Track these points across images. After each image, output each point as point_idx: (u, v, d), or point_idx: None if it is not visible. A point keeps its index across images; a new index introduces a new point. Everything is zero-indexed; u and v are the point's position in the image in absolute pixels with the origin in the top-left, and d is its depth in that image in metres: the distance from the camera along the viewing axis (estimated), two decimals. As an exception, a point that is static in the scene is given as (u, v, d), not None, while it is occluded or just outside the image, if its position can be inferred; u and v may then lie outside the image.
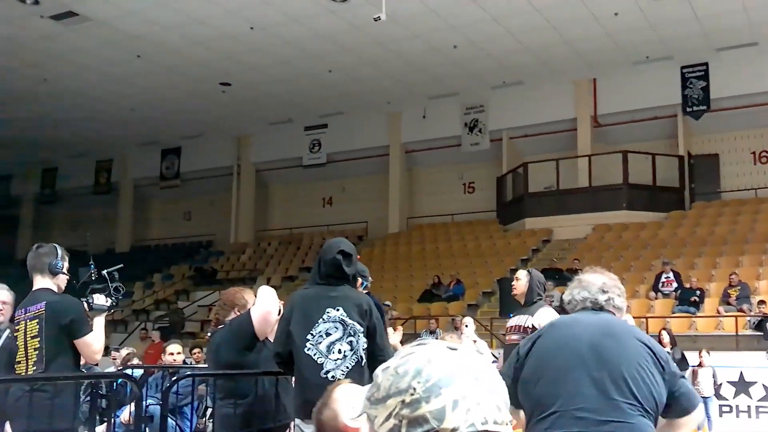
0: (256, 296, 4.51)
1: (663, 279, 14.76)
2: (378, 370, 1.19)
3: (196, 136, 25.08)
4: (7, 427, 4.13)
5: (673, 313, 13.80)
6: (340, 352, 4.00)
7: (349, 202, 24.30)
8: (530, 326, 5.47)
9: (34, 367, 4.15)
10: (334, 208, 24.84)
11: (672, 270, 14.81)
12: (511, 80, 19.88)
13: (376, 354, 4.05)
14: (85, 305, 4.38)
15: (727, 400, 11.45)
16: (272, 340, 4.30)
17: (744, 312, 13.21)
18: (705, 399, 10.76)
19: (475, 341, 9.56)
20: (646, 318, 13.26)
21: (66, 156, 27.71)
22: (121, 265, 4.67)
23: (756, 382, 11.41)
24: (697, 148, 19.62)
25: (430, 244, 21.12)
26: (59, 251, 4.36)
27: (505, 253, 18.88)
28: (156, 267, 24.94)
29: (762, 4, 15.33)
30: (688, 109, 18.74)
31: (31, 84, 20.20)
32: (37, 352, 4.16)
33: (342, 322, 4.05)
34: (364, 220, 23.77)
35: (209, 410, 6.58)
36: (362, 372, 3.98)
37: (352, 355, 4.02)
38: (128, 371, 7.39)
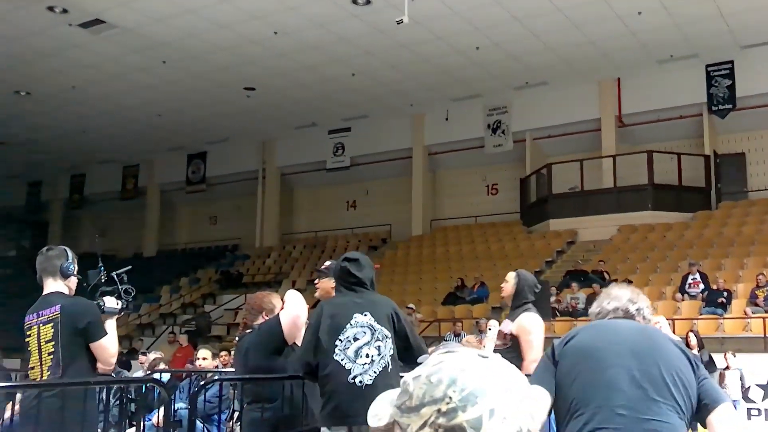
0: (282, 300, 4.57)
1: (690, 280, 14.62)
2: (407, 378, 1.19)
3: (222, 140, 25.31)
4: None
5: (700, 314, 13.66)
6: (367, 356, 4.02)
7: (373, 205, 24.38)
8: (508, 333, 5.19)
9: (49, 372, 4.02)
10: (358, 211, 24.93)
11: (699, 271, 14.67)
12: (534, 81, 19.83)
13: (414, 353, 4.07)
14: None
15: (755, 403, 11.31)
16: (299, 344, 4.34)
17: (772, 313, 13.05)
18: (733, 402, 10.67)
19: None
20: (673, 320, 13.11)
21: (94, 162, 28.11)
22: (129, 267, 4.56)
23: (785, 385, 11.27)
24: (723, 147, 19.41)
25: (453, 246, 21.11)
26: (69, 254, 4.27)
27: (529, 255, 18.81)
28: (183, 271, 25.19)
29: (788, 1, 15.16)
30: (714, 108, 18.56)
31: (59, 91, 20.53)
32: (51, 356, 4.03)
33: (370, 327, 4.08)
34: (388, 222, 23.82)
35: (236, 413, 6.66)
36: (389, 377, 4.01)
37: (380, 360, 4.04)
38: (156, 375, 7.50)
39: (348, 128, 23.64)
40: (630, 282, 15.60)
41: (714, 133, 19.08)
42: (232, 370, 5.78)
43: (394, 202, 23.80)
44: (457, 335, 14.05)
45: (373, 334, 4.06)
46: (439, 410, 1.11)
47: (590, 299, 13.62)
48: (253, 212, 26.03)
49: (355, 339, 4.04)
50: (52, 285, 4.21)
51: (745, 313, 13.37)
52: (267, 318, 4.56)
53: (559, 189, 19.80)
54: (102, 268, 4.35)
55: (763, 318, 12.85)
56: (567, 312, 14.85)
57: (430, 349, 3.65)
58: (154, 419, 6.34)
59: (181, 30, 16.77)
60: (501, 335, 5.22)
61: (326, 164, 24.20)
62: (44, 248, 4.34)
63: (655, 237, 17.90)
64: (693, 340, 10.52)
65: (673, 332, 11.16)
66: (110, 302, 4.29)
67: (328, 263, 5.12)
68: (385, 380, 3.93)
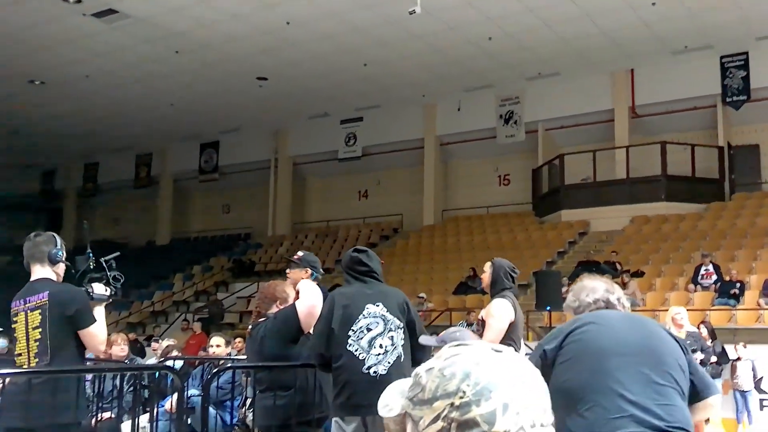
0: (295, 289, 4.61)
1: (702, 271, 14.58)
2: (420, 370, 1.18)
3: (234, 130, 25.37)
4: None
5: (713, 305, 13.65)
6: (381, 347, 4.05)
7: (385, 194, 24.39)
8: (481, 318, 5.34)
9: (36, 359, 3.95)
10: (370, 200, 24.96)
11: (711, 262, 14.63)
12: (546, 71, 19.75)
13: (417, 348, 4.13)
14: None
15: (767, 393, 11.30)
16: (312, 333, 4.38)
17: (785, 305, 13.02)
18: (744, 393, 10.65)
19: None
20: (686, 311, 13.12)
21: (107, 151, 28.24)
22: (118, 253, 4.42)
23: (797, 376, 11.24)
24: (737, 138, 19.30)
25: (465, 236, 21.11)
26: (58, 240, 4.18)
27: (541, 245, 18.80)
28: (196, 259, 25.34)
29: (805, -9, 15.03)
30: (728, 99, 18.44)
31: (73, 80, 20.63)
32: (38, 343, 3.95)
33: (383, 317, 4.11)
34: (400, 212, 23.84)
35: (248, 400, 6.72)
36: (402, 367, 4.05)
37: (393, 350, 4.08)
38: (169, 362, 7.57)
39: (360, 118, 23.63)
40: (642, 273, 15.60)
41: (728, 125, 18.97)
42: (245, 357, 5.83)
43: (405, 192, 23.81)
44: (470, 324, 14.08)
45: (386, 325, 4.10)
46: (452, 404, 1.10)
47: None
48: (266, 201, 26.11)
49: (369, 329, 4.07)
50: (39, 271, 4.11)
51: (758, 305, 13.34)
52: (281, 307, 4.60)
53: (571, 180, 19.75)
54: (90, 254, 4.23)
55: (776, 310, 12.83)
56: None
57: (438, 336, 3.69)
58: (167, 405, 6.40)
59: (193, 20, 16.81)
60: (479, 322, 5.36)
61: (338, 154, 24.23)
62: (32, 234, 4.23)
63: (668, 228, 17.84)
64: (705, 331, 10.49)
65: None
66: (99, 289, 4.18)
67: (300, 254, 5.18)
68: (398, 370, 3.97)
